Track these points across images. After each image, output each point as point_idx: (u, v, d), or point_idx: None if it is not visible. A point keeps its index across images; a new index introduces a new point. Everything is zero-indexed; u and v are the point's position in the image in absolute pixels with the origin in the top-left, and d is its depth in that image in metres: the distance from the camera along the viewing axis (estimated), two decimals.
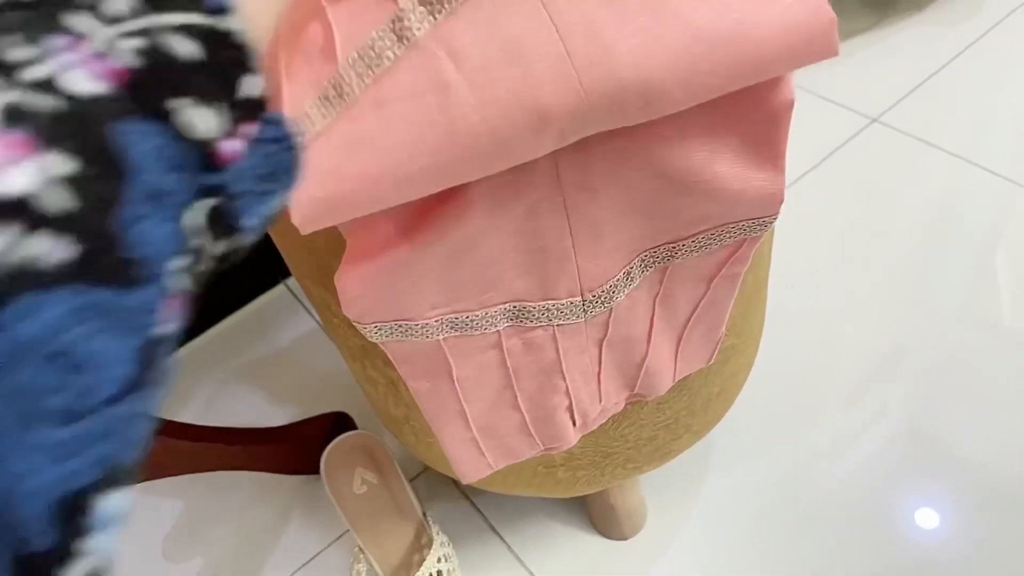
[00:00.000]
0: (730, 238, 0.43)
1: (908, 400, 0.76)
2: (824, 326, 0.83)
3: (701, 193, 0.38)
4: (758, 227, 0.42)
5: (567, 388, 0.47)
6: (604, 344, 0.46)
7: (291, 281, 1.00)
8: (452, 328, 0.42)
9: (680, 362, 0.51)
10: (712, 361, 0.53)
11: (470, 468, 0.50)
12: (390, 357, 0.43)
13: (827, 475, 0.72)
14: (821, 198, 0.95)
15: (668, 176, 0.37)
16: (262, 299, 0.99)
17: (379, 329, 0.40)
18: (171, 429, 0.67)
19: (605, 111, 0.31)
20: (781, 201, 0.40)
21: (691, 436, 0.65)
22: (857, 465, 0.72)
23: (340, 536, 0.76)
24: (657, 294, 0.45)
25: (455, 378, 0.44)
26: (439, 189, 0.32)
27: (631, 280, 0.43)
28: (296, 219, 0.31)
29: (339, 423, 0.80)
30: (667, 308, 0.47)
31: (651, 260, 0.43)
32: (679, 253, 0.43)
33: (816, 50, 0.31)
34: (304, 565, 0.75)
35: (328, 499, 0.74)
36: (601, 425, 0.53)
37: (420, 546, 0.68)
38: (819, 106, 1.05)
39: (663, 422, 0.60)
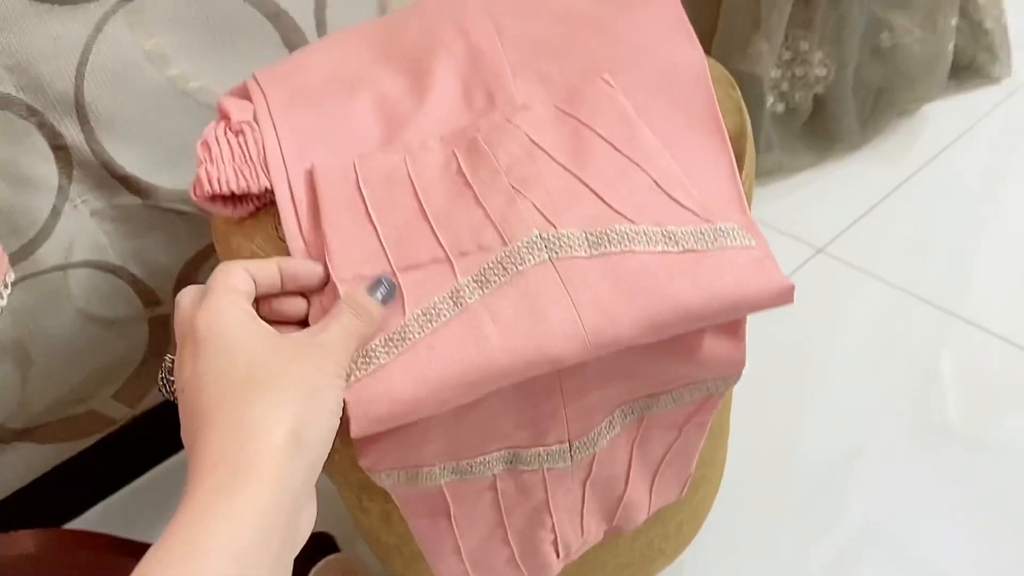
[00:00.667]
0: (700, 393, 0.49)
1: (863, 498, 0.83)
2: (778, 439, 0.89)
3: (677, 360, 0.45)
4: (723, 385, 0.48)
5: (553, 524, 0.52)
6: (588, 483, 0.51)
7: None
8: (453, 473, 0.47)
9: (654, 497, 0.56)
10: (683, 495, 0.58)
11: None
12: (394, 498, 0.47)
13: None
14: (771, 323, 1.02)
15: (648, 353, 0.43)
16: None
17: (388, 476, 0.45)
18: None
19: (605, 352, 0.41)
20: (743, 364, 0.46)
21: (665, 559, 0.70)
22: (820, 570, 0.78)
23: None
24: (635, 439, 0.51)
25: (452, 516, 0.49)
26: (468, 400, 0.41)
27: (612, 427, 0.49)
28: (354, 431, 0.39)
29: (321, 544, 0.82)
30: (643, 451, 0.52)
31: (630, 410, 0.49)
32: (655, 405, 0.49)
33: (776, 304, 0.42)
34: None
35: None
36: (582, 555, 0.58)
37: None
38: (768, 235, 1.14)
39: (639, 548, 0.65)
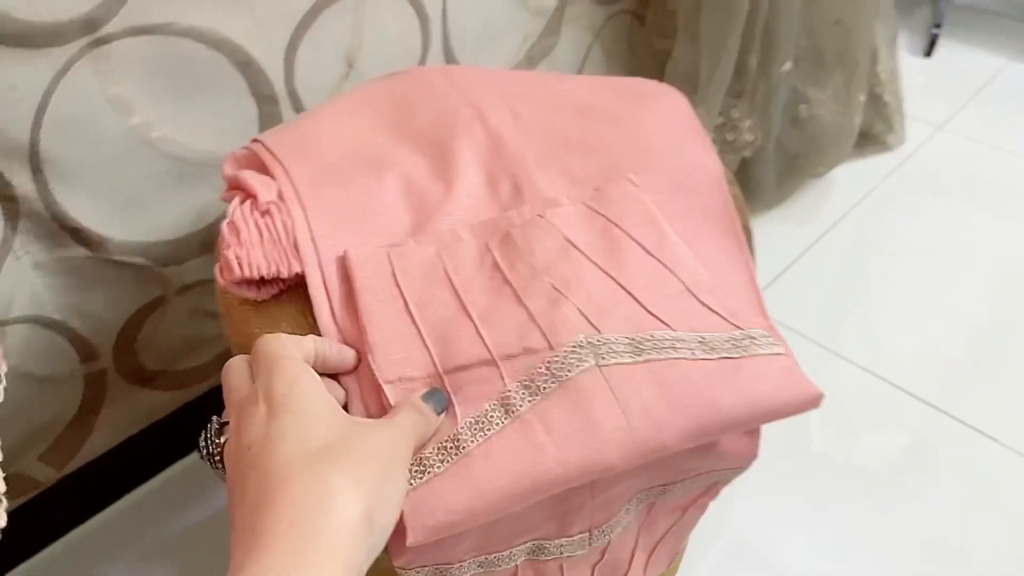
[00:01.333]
0: (710, 480, 0.51)
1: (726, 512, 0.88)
2: None
3: (701, 454, 0.47)
4: (733, 474, 0.51)
5: None
6: (598, 567, 0.52)
7: None
8: (480, 567, 0.46)
9: (649, 571, 0.58)
10: (672, 564, 0.61)
11: None
12: None
13: None
14: None
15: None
16: (180, 464, 0.96)
17: (419, 572, 0.44)
18: None
19: (652, 458, 0.42)
20: (756, 456, 0.49)
21: None
22: None
23: None
24: (643, 523, 0.53)
25: None
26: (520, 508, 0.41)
27: (628, 514, 0.50)
28: (410, 540, 0.38)
29: None
30: (648, 532, 0.54)
31: (645, 497, 0.50)
32: (668, 492, 0.50)
33: (806, 410, 0.45)
34: None
35: None
36: None
37: None
38: None
39: None
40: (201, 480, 0.95)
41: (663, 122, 0.54)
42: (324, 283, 0.45)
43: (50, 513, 0.85)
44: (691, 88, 1.12)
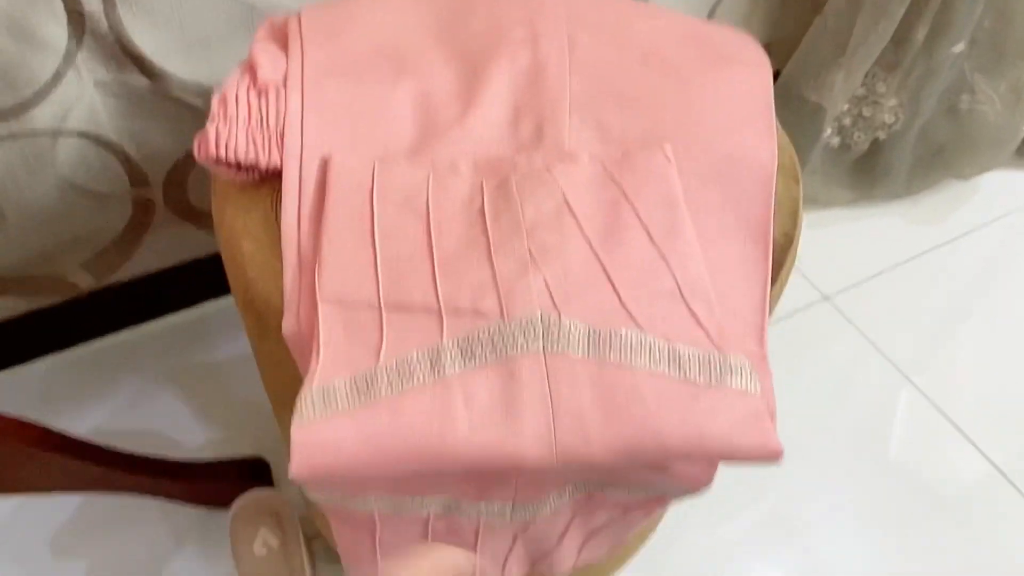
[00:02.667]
0: (656, 493, 0.47)
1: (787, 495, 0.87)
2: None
3: (644, 473, 0.43)
4: (683, 495, 0.46)
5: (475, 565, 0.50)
6: (520, 536, 0.50)
7: None
8: (388, 506, 0.45)
9: (583, 555, 0.55)
10: (615, 552, 0.58)
11: None
12: (326, 514, 0.46)
13: (689, 547, 0.79)
14: None
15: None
16: (208, 305, 1.00)
17: (324, 498, 0.43)
18: (84, 450, 0.68)
19: (569, 471, 0.39)
20: (710, 485, 0.44)
21: None
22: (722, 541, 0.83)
23: None
24: (580, 508, 0.49)
25: (377, 539, 0.48)
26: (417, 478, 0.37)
27: (560, 498, 0.47)
28: (292, 471, 0.35)
29: (256, 470, 0.81)
30: (584, 520, 0.51)
31: (583, 487, 0.47)
32: (608, 490, 0.47)
33: (761, 462, 0.38)
34: None
35: (227, 540, 0.76)
36: None
37: None
38: None
39: None
40: (231, 324, 0.98)
41: (732, 93, 0.47)
42: (300, 184, 0.43)
43: (85, 319, 0.90)
44: (837, 49, 0.99)
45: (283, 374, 0.47)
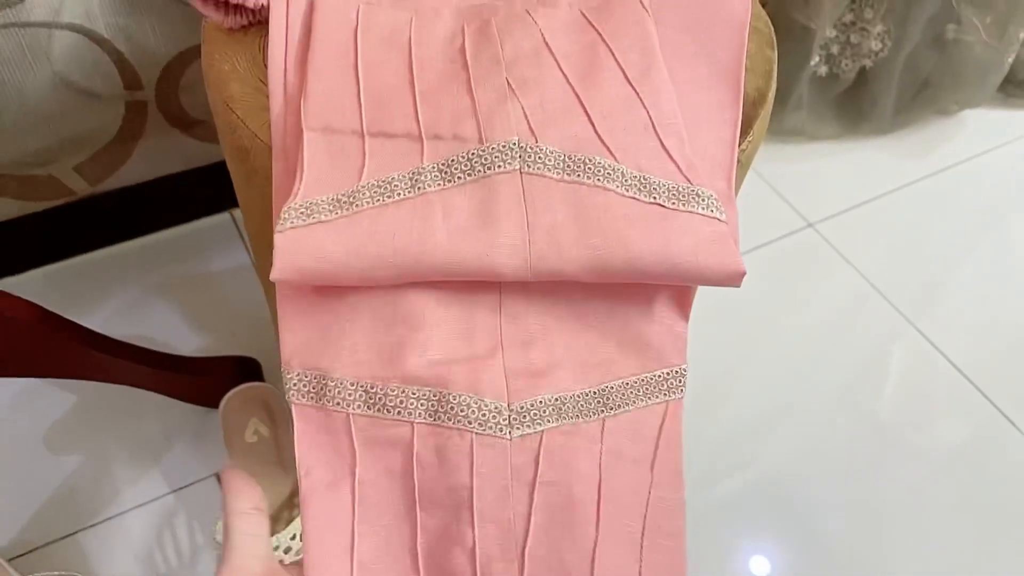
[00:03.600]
0: (653, 397, 0.42)
1: (775, 457, 0.88)
2: (712, 385, 0.92)
3: (621, 319, 0.42)
4: (673, 382, 0.43)
5: (475, 544, 0.38)
6: (535, 489, 0.39)
7: (237, 212, 1.02)
8: (366, 402, 0.40)
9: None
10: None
11: None
12: (296, 445, 0.40)
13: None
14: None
15: (590, 298, 0.42)
16: (203, 221, 1.01)
17: (300, 379, 0.40)
18: (86, 336, 0.69)
19: (544, 279, 0.40)
20: (682, 361, 0.43)
21: None
22: (713, 503, 0.83)
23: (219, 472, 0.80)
24: (601, 448, 0.41)
25: (357, 480, 0.40)
26: (397, 283, 0.39)
27: (562, 414, 0.40)
28: (273, 274, 0.38)
29: (247, 368, 0.83)
30: (612, 486, 0.40)
31: (585, 402, 0.41)
32: (610, 398, 0.41)
33: (724, 284, 0.40)
34: (179, 489, 0.79)
35: (218, 436, 0.78)
36: None
37: (292, 504, 0.72)
38: (768, 198, 1.13)
39: None
40: (225, 239, 1.00)
41: None
42: (287, 21, 0.44)
43: (79, 225, 0.92)
44: None
45: (268, 221, 0.48)
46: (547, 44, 0.44)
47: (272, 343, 0.89)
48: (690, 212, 0.40)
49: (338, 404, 0.39)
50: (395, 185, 0.40)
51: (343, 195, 0.39)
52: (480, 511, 0.38)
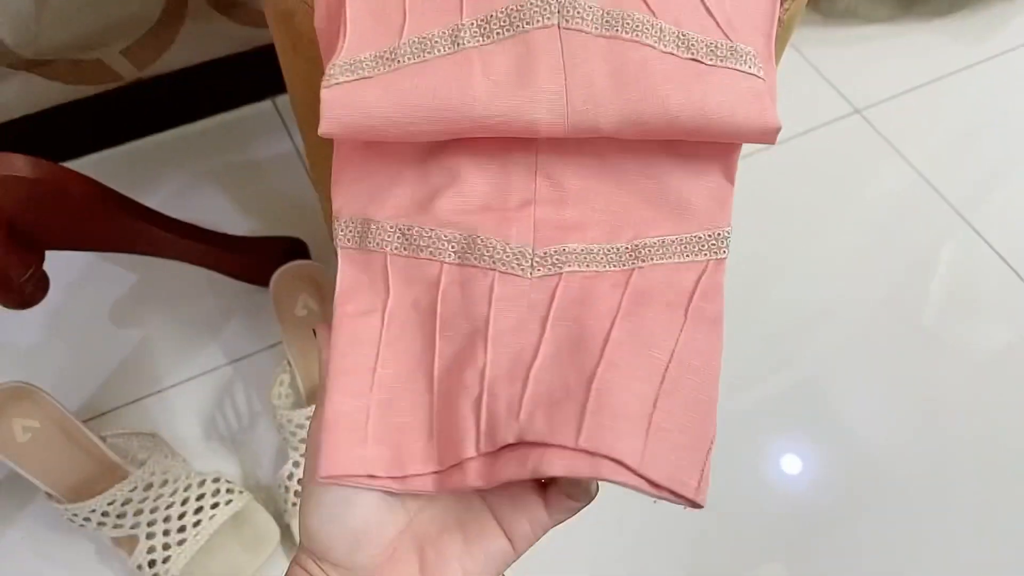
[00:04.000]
0: (692, 256, 0.43)
1: (815, 359, 0.87)
2: (755, 281, 0.92)
3: (663, 176, 0.44)
4: (716, 243, 0.43)
5: (485, 366, 0.40)
6: (548, 323, 0.41)
7: (280, 99, 1.04)
8: (402, 243, 0.42)
9: (652, 442, 0.40)
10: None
11: (341, 452, 0.39)
12: (338, 283, 0.42)
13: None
14: (782, 170, 1.02)
15: (628, 154, 0.43)
16: (246, 109, 1.03)
17: (347, 226, 0.43)
18: (147, 214, 0.73)
19: (581, 134, 0.41)
20: (728, 225, 0.43)
21: None
22: (750, 403, 0.84)
23: (273, 345, 0.84)
24: (624, 291, 0.41)
25: (387, 311, 0.42)
26: (440, 139, 0.41)
27: (588, 262, 0.42)
28: (322, 128, 0.39)
29: (295, 247, 0.86)
30: (634, 322, 0.41)
31: (615, 254, 0.42)
32: (643, 252, 0.42)
33: (758, 140, 0.41)
34: (236, 361, 0.84)
35: (270, 312, 0.82)
36: None
37: None
38: (814, 83, 1.10)
39: None
40: (270, 126, 1.02)
41: None
42: None
43: (128, 111, 0.94)
44: None
45: (315, 92, 0.50)
46: None
47: (318, 225, 0.92)
48: (727, 68, 0.41)
49: (377, 245, 0.42)
50: (435, 41, 0.40)
51: (385, 51, 0.40)
52: (493, 337, 0.40)
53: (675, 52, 0.41)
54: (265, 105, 1.03)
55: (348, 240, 0.43)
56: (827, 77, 1.10)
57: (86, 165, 0.97)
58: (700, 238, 0.43)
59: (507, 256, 0.41)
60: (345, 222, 0.44)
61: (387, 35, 0.41)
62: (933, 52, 1.15)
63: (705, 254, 0.43)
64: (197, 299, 0.87)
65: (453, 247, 0.42)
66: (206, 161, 0.99)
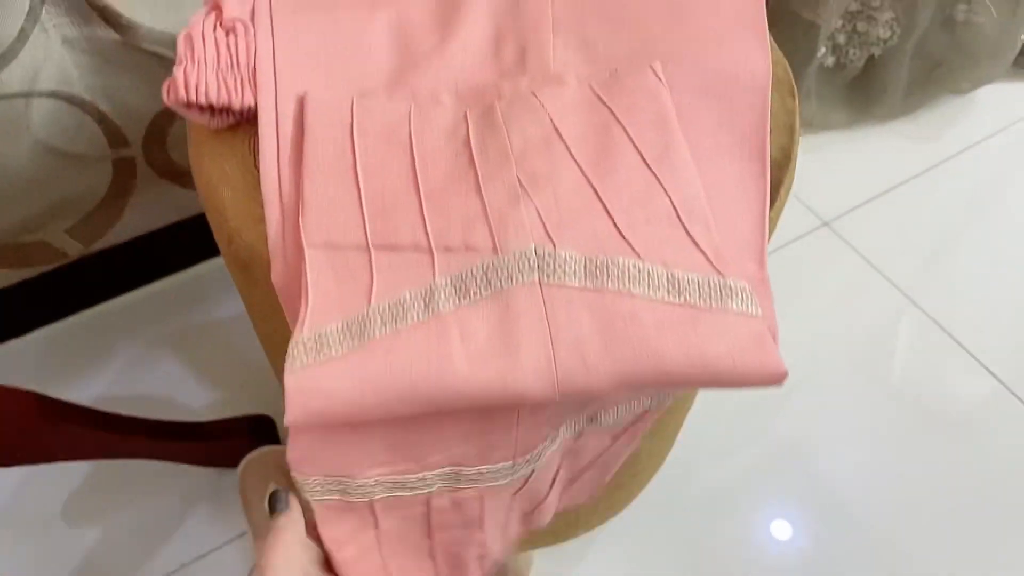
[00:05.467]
0: (643, 407, 0.46)
1: (793, 426, 0.88)
2: None
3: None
4: (664, 402, 0.45)
5: (483, 540, 0.47)
6: (517, 496, 0.48)
7: None
8: (389, 490, 0.43)
9: (564, 498, 0.53)
10: (590, 501, 0.56)
11: None
12: (319, 524, 0.43)
13: (701, 480, 0.83)
14: None
15: None
16: (202, 267, 0.98)
17: (320, 485, 0.41)
18: (91, 418, 0.67)
19: (572, 397, 0.37)
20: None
21: (583, 527, 0.70)
22: (731, 474, 0.83)
23: (242, 535, 0.78)
24: (568, 450, 0.48)
25: (379, 529, 0.45)
26: (416, 414, 0.36)
27: (554, 442, 0.45)
28: (288, 419, 0.34)
29: (261, 427, 0.81)
30: (572, 460, 0.49)
31: (573, 425, 0.45)
32: (599, 418, 0.45)
33: (765, 385, 0.37)
34: (202, 556, 0.77)
35: (235, 496, 0.76)
36: None
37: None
38: None
39: (562, 519, 0.65)
40: (223, 284, 0.97)
41: (720, 4, 0.45)
42: (277, 123, 0.41)
43: (74, 286, 0.89)
44: None
45: (276, 324, 0.45)
46: (557, 130, 0.40)
47: (281, 392, 0.87)
48: (724, 311, 0.38)
49: (362, 497, 0.42)
50: (408, 307, 0.37)
51: (353, 321, 0.37)
52: (487, 525, 0.46)
53: (665, 297, 0.38)
54: (218, 262, 0.99)
55: (326, 495, 0.41)
56: (792, 190, 1.10)
57: (34, 341, 0.91)
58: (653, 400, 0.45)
59: (493, 474, 0.43)
60: (315, 480, 0.40)
61: (355, 299, 0.38)
62: (892, 155, 1.15)
63: (648, 406, 0.46)
64: (158, 489, 0.81)
65: (440, 479, 0.43)
66: (161, 326, 0.94)
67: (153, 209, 0.86)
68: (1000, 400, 0.91)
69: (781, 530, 0.80)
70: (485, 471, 0.43)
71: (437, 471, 0.42)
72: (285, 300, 0.40)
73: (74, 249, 0.84)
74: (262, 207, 0.41)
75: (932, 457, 0.86)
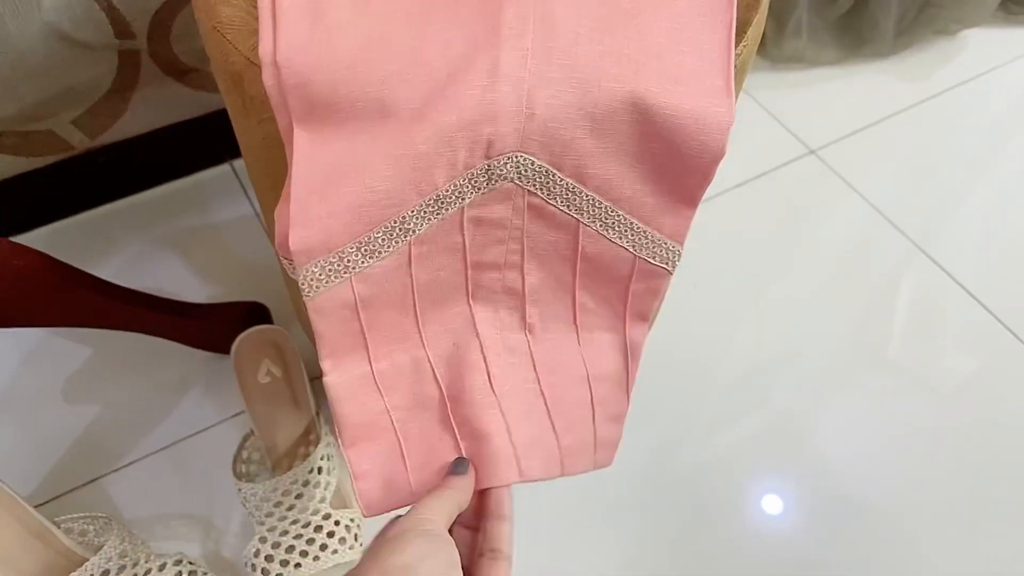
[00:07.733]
0: (637, 239, 0.47)
1: (787, 399, 0.86)
2: (721, 323, 0.92)
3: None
4: (664, 252, 0.48)
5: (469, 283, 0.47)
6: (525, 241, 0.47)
7: (238, 163, 1.02)
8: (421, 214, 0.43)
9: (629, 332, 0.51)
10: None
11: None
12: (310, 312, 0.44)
13: (693, 455, 0.82)
14: (741, 213, 1.03)
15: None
16: (204, 174, 1.01)
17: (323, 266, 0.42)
18: (97, 285, 0.70)
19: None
20: (683, 236, 0.46)
21: None
22: (724, 449, 0.82)
23: (236, 415, 0.82)
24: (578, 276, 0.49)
25: (362, 321, 0.45)
26: None
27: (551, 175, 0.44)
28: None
29: (257, 313, 0.84)
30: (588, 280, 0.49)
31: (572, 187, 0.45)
32: (592, 239, 0.47)
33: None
34: (198, 433, 0.80)
35: (231, 380, 0.79)
36: None
37: (308, 441, 0.74)
38: (768, 126, 1.12)
39: None
40: (227, 190, 1.00)
41: None
42: None
43: (82, 181, 0.92)
44: None
45: (267, 155, 0.48)
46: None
47: (279, 288, 0.90)
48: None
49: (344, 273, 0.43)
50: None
51: None
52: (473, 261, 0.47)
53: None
54: (223, 169, 1.02)
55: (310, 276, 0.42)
56: (781, 120, 1.13)
57: (39, 237, 0.94)
58: (647, 240, 0.47)
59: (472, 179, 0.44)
60: (304, 269, 0.42)
61: None
62: (880, 92, 1.18)
63: (648, 250, 0.48)
64: (155, 370, 0.84)
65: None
66: (163, 227, 0.97)
67: (157, 106, 0.88)
68: (993, 334, 0.94)
69: (773, 505, 0.79)
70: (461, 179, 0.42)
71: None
72: (277, 104, 0.42)
73: (80, 141, 0.87)
74: (257, 18, 0.43)
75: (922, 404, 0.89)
